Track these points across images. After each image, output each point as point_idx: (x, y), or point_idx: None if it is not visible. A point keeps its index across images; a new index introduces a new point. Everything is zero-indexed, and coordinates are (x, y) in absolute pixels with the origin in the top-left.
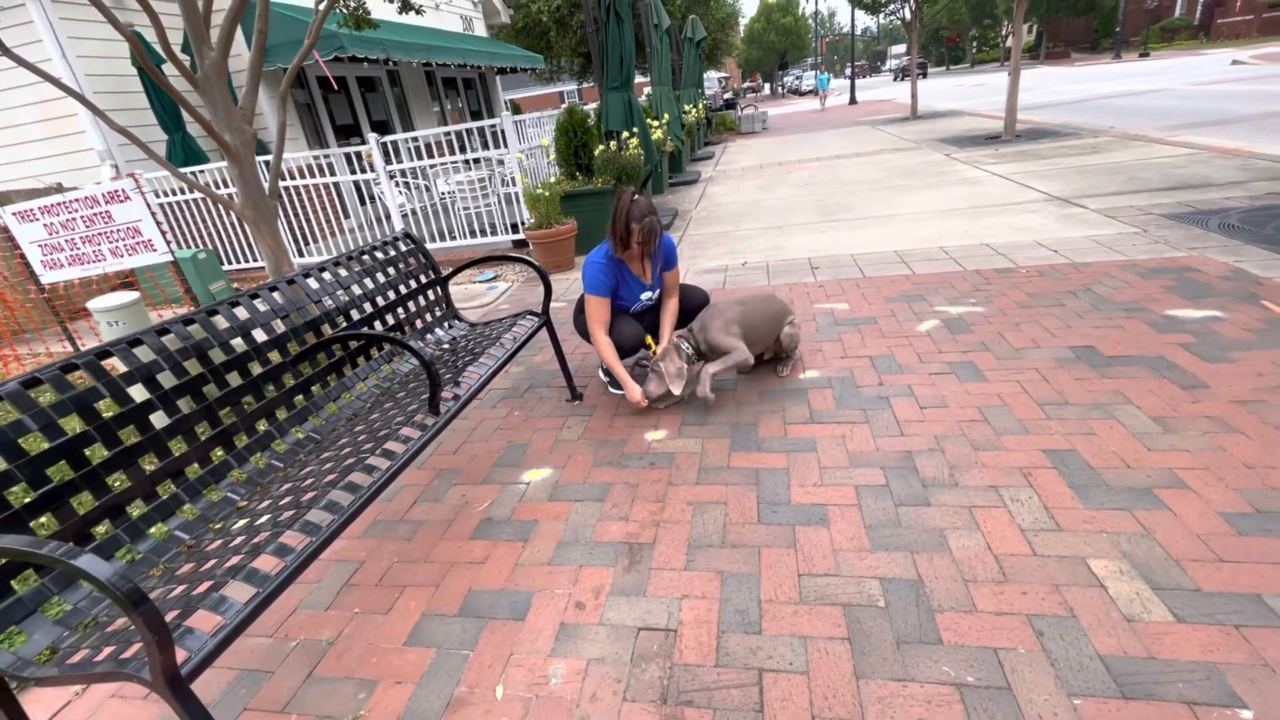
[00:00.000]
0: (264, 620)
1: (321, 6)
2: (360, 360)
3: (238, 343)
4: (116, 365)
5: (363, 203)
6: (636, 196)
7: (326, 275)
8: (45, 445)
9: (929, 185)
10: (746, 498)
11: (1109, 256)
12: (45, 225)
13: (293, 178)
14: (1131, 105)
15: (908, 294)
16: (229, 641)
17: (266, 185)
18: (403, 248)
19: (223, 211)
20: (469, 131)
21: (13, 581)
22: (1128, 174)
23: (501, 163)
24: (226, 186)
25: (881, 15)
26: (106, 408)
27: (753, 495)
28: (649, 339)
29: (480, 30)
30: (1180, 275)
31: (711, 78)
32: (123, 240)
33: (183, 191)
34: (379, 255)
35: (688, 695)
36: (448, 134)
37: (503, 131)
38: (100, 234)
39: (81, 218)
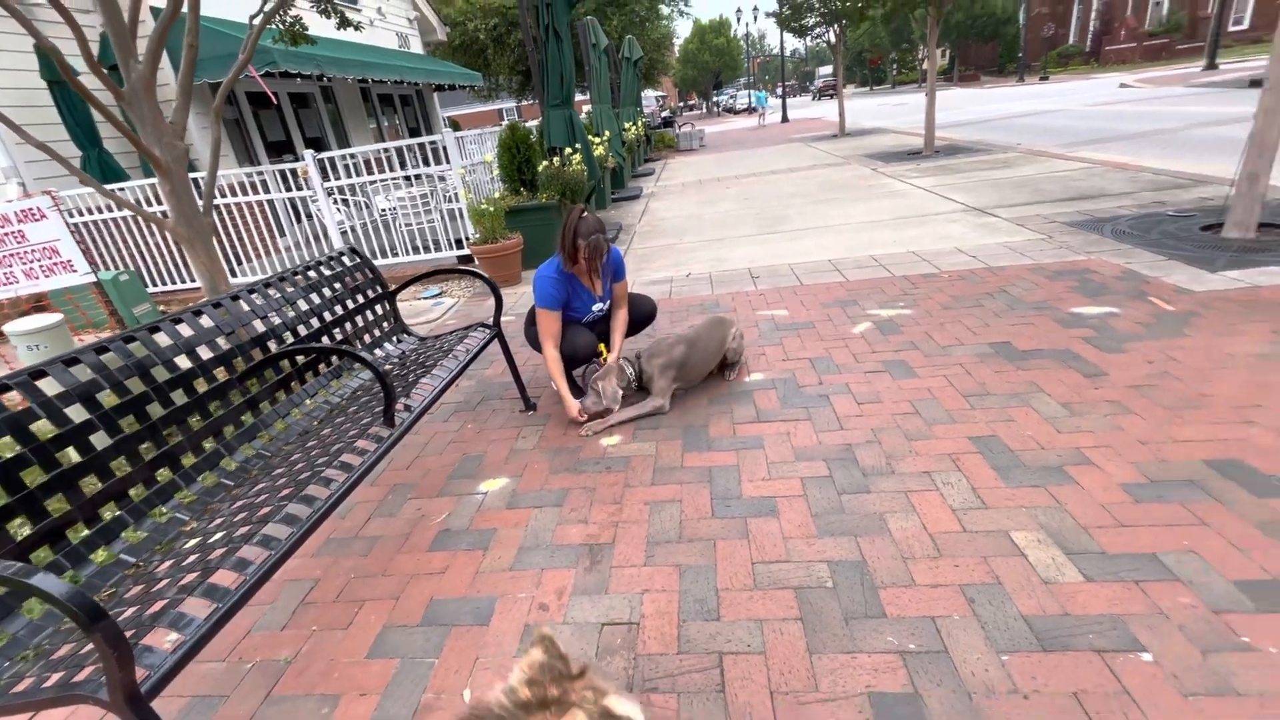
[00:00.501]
0: (215, 645)
1: (257, 21)
2: (309, 376)
3: (182, 361)
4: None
5: (297, 220)
6: (585, 214)
7: (272, 291)
8: None
9: (859, 198)
10: (700, 495)
11: (1020, 260)
12: None
13: (224, 195)
14: (1035, 124)
15: (842, 299)
16: (189, 658)
17: (200, 202)
18: (348, 262)
19: (146, 231)
20: (409, 148)
21: None
22: (1033, 186)
23: (443, 179)
24: (152, 204)
25: (809, 38)
26: (43, 430)
27: (706, 492)
28: (601, 346)
29: (417, 48)
30: (1081, 277)
31: (649, 96)
32: (38, 261)
33: (102, 210)
34: (325, 271)
35: (653, 682)
36: (386, 150)
37: (444, 148)
38: (12, 254)
39: None
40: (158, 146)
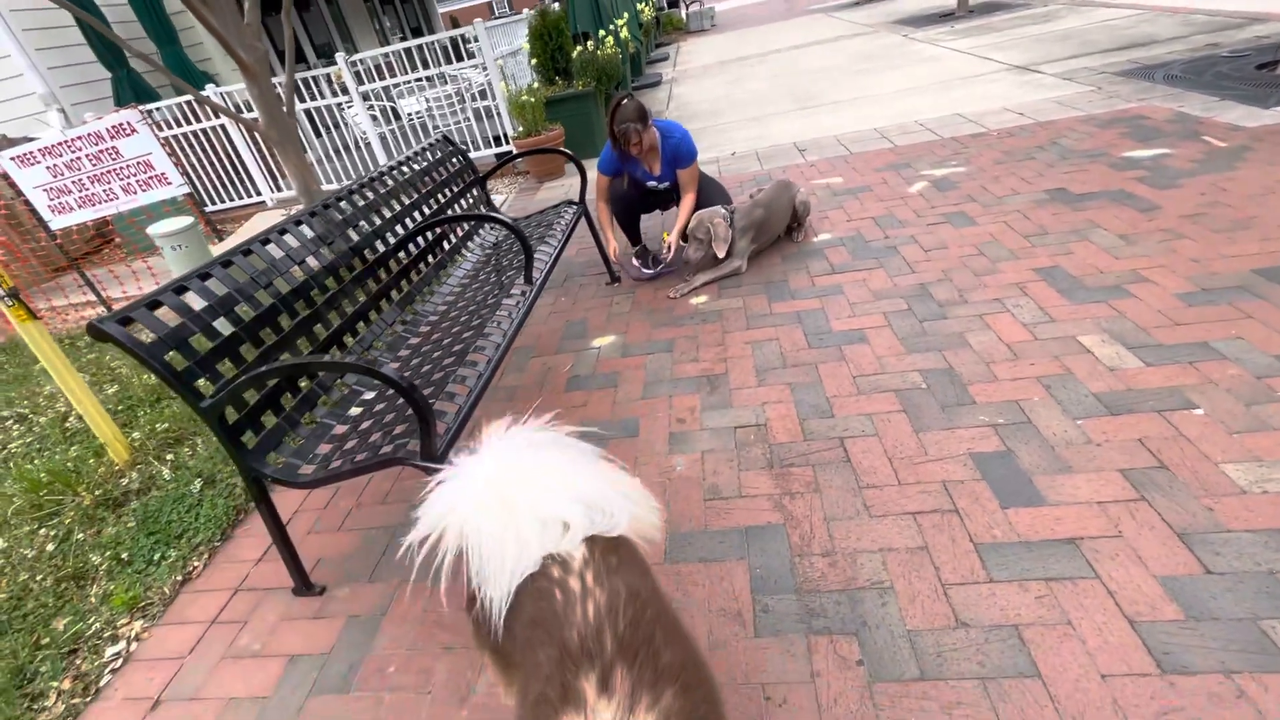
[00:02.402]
0: None
1: None
2: (429, 259)
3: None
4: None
5: (317, 134)
6: (625, 100)
7: (369, 192)
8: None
9: (894, 66)
10: (794, 333)
11: (1069, 114)
12: (49, 168)
13: (250, 110)
14: None
15: (894, 164)
16: (455, 436)
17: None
18: (441, 153)
19: (198, 150)
20: (438, 44)
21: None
22: (1079, 38)
23: (458, 76)
24: (189, 123)
25: None
26: (246, 312)
27: (799, 330)
28: (665, 234)
29: None
30: (1133, 123)
31: None
32: (134, 176)
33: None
34: (425, 160)
35: (789, 460)
36: (419, 46)
37: (474, 39)
38: (109, 171)
39: (87, 156)
40: (240, 49)
